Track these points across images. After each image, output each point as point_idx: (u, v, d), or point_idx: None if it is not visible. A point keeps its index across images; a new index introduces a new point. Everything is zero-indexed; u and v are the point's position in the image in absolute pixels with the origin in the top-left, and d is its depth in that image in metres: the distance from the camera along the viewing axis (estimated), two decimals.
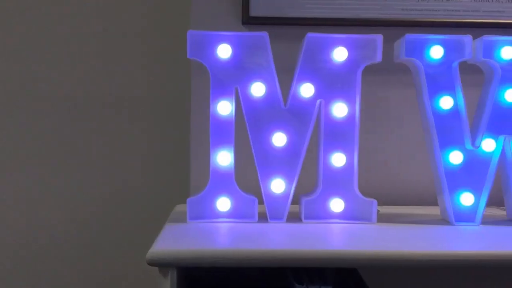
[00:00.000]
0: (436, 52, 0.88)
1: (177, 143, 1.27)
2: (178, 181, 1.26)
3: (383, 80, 1.13)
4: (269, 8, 1.09)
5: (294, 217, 0.92)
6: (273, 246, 0.74)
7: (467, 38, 0.89)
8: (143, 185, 1.30)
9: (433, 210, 0.99)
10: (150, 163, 1.30)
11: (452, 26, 1.09)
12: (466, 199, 0.90)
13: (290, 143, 0.89)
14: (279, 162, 0.90)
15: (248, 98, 0.89)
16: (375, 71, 1.00)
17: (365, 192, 0.91)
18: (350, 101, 0.89)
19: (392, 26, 1.08)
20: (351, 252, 0.73)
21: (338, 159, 0.90)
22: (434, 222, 0.92)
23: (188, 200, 0.88)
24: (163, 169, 1.30)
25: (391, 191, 1.14)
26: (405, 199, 1.12)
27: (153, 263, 0.69)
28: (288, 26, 1.09)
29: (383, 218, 0.95)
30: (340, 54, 0.89)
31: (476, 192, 0.90)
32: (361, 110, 0.89)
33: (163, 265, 0.69)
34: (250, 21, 1.09)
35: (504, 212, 0.98)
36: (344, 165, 0.90)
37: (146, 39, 1.28)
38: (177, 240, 0.76)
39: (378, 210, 1.05)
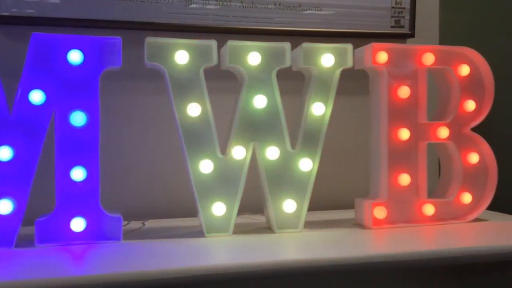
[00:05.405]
0: (181, 57, 0.84)
1: None
2: None
3: (136, 87, 1.06)
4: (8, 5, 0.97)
5: (30, 241, 0.80)
6: None
7: (213, 43, 0.86)
8: None
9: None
10: None
11: (217, 32, 1.07)
12: (218, 209, 0.87)
13: (18, 157, 0.78)
14: (6, 179, 0.78)
15: None
16: (134, 76, 0.93)
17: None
18: (90, 109, 0.81)
19: (160, 31, 1.02)
20: (90, 277, 0.65)
21: (77, 173, 0.81)
22: (189, 235, 0.88)
23: None
24: None
25: (159, 203, 1.08)
26: (174, 211, 1.07)
27: None
28: (23, 26, 0.97)
29: (132, 235, 0.88)
30: (75, 57, 0.80)
31: (229, 201, 0.87)
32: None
33: None
34: None
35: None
36: (84, 180, 0.81)
37: None
38: None
39: (143, 224, 0.99)
